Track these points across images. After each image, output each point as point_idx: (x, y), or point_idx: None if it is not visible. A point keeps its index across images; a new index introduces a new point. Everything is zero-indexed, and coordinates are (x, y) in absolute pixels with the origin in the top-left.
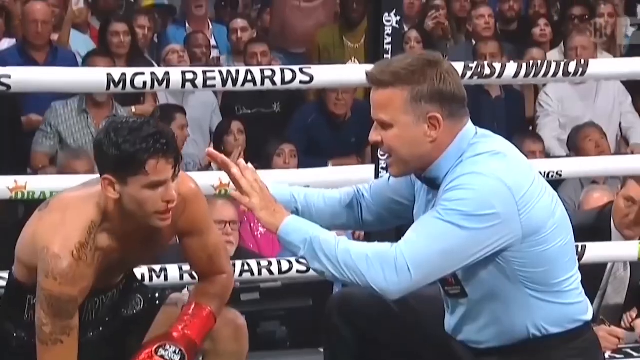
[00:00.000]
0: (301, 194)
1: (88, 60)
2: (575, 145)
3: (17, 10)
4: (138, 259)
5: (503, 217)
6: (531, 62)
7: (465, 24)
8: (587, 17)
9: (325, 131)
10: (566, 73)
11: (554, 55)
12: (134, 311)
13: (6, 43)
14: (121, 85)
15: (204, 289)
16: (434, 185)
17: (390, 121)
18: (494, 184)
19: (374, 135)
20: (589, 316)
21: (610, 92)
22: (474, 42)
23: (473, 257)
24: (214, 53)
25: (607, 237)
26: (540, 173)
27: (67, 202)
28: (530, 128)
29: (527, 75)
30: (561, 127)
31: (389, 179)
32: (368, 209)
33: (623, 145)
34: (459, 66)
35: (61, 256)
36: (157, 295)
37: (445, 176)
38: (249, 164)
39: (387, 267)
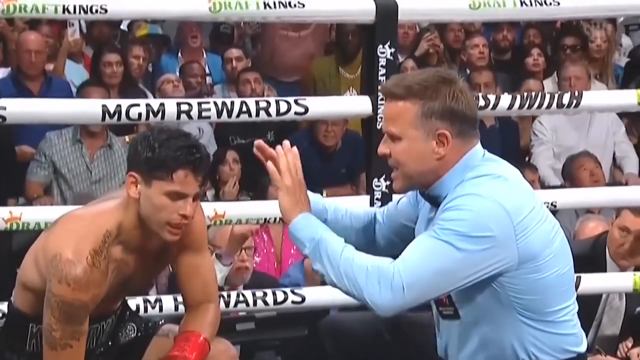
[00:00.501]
0: (332, 206)
1: (82, 91)
2: (570, 175)
3: (13, 37)
4: (146, 278)
5: (499, 241)
6: (525, 93)
7: (459, 54)
8: (579, 47)
9: (316, 161)
10: (560, 105)
11: (547, 84)
12: (127, 339)
13: (0, 72)
14: (116, 116)
15: (196, 317)
16: (435, 202)
17: (399, 134)
18: (492, 207)
19: (383, 148)
20: (582, 348)
21: (603, 122)
22: (468, 72)
23: (467, 278)
24: (208, 82)
25: (602, 266)
26: None
27: (80, 214)
28: (527, 158)
29: (521, 106)
30: (555, 157)
31: (397, 203)
32: (381, 232)
33: (617, 175)
34: None
35: (75, 262)
36: (149, 324)
37: (446, 195)
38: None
39: (383, 283)
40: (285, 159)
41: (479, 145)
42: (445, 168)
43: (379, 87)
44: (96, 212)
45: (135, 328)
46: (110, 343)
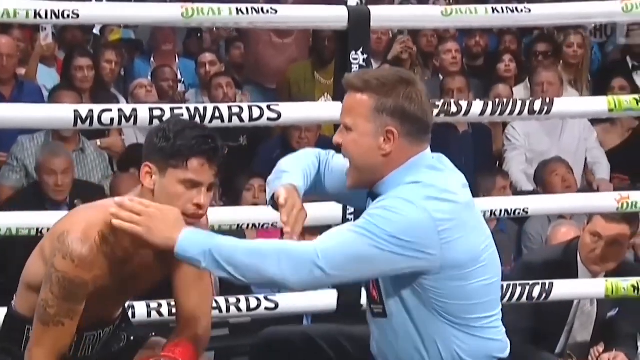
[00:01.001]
0: (305, 176)
1: (54, 95)
2: (542, 180)
3: None
4: (149, 279)
5: (420, 248)
6: (497, 100)
7: (431, 59)
8: (550, 53)
9: None
10: (532, 111)
11: (519, 90)
12: (117, 349)
13: None
14: (88, 121)
15: (189, 330)
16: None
17: (351, 125)
18: (420, 216)
19: (337, 137)
20: (506, 354)
21: (575, 127)
22: (440, 78)
23: (383, 273)
24: (181, 87)
25: (573, 272)
26: (507, 210)
27: (90, 205)
28: (498, 162)
29: (493, 113)
30: (528, 162)
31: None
32: (326, 178)
33: (589, 180)
34: None
35: (82, 240)
36: (139, 336)
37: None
38: None
39: (297, 263)
40: (121, 207)
41: (428, 151)
42: (390, 167)
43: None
44: (107, 203)
45: (126, 336)
46: (102, 352)
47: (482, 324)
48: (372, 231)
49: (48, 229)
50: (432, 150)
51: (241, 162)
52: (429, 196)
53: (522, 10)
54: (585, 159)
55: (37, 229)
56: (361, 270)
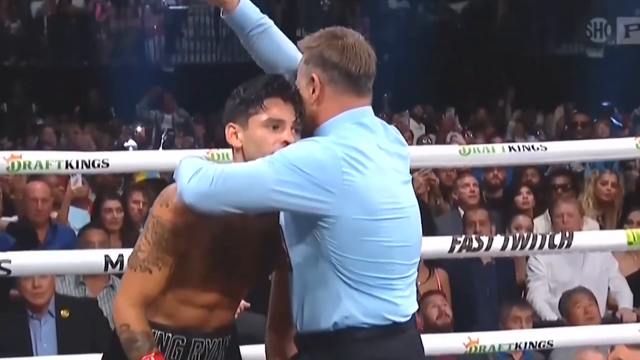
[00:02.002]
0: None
1: (83, 234)
2: (566, 311)
3: (20, 187)
4: (253, 266)
5: (317, 182)
6: (517, 234)
7: (451, 192)
8: (568, 186)
9: None
10: (552, 245)
11: (540, 222)
12: None
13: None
14: (118, 265)
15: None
16: None
17: (296, 83)
18: (325, 152)
19: None
20: (401, 319)
21: (597, 258)
22: (460, 211)
23: (276, 202)
24: None
25: None
26: (532, 343)
27: None
28: (522, 292)
29: (514, 247)
30: (551, 292)
31: None
32: None
33: (612, 308)
34: (447, 240)
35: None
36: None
37: None
38: None
39: (198, 174)
40: None
41: (364, 109)
42: (323, 118)
43: None
44: None
45: None
46: None
47: (380, 284)
48: (275, 158)
49: None
50: (456, 281)
51: None
52: (341, 143)
53: (538, 149)
54: (608, 288)
55: None
56: (254, 190)
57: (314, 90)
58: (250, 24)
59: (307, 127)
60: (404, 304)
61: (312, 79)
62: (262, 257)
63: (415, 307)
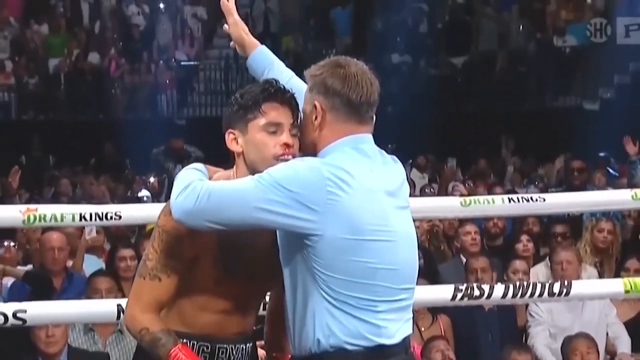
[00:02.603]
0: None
1: (91, 282)
2: (567, 356)
3: (35, 236)
4: (268, 263)
5: (302, 200)
6: (517, 283)
7: (453, 240)
8: (568, 234)
9: None
10: (551, 293)
11: (541, 269)
12: None
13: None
14: None
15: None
16: None
17: (300, 111)
18: (311, 171)
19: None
20: (386, 341)
21: (595, 304)
22: (462, 258)
23: (261, 220)
24: None
25: None
26: None
27: None
28: (524, 337)
29: (514, 295)
30: (552, 337)
31: None
32: None
33: (611, 354)
34: (449, 288)
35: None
36: None
37: None
38: None
39: (187, 190)
40: None
41: (364, 135)
42: (322, 144)
43: None
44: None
45: None
46: None
47: (363, 304)
48: (262, 176)
49: None
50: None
51: None
52: (328, 163)
53: (536, 200)
54: (607, 334)
55: None
56: (238, 207)
57: (316, 117)
58: (266, 64)
59: (308, 152)
60: (389, 327)
61: (315, 106)
62: (274, 261)
63: (407, 332)
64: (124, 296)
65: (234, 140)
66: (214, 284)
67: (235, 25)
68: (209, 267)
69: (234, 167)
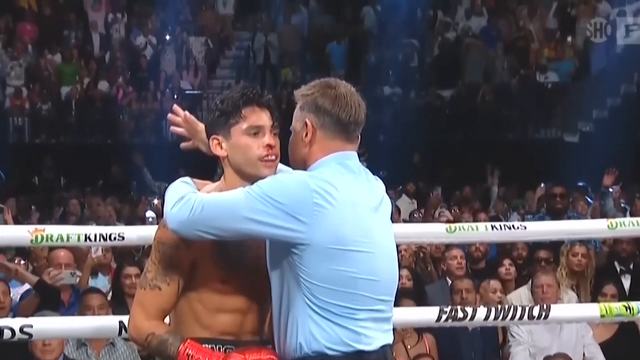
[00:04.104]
0: None
1: (83, 298)
2: None
3: (42, 254)
4: (260, 246)
5: (289, 211)
6: (499, 306)
7: (439, 263)
8: (551, 260)
9: None
10: (531, 317)
11: (524, 292)
12: None
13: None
14: None
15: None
16: None
17: (291, 129)
18: (298, 184)
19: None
20: (364, 347)
21: (573, 326)
22: (448, 280)
23: (250, 231)
24: None
25: None
26: None
27: None
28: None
29: (496, 318)
30: (531, 356)
31: None
32: None
33: None
34: (434, 310)
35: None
36: None
37: None
38: None
39: (181, 202)
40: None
41: (349, 153)
42: (311, 160)
43: None
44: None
45: None
46: None
47: (344, 312)
48: (252, 188)
49: None
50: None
51: None
52: (314, 176)
53: (518, 227)
54: (584, 354)
55: None
56: (229, 218)
57: (306, 134)
58: None
59: (298, 167)
60: (368, 334)
61: (306, 124)
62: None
63: (386, 341)
64: (121, 314)
65: (218, 145)
66: (221, 283)
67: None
68: (210, 268)
69: (222, 176)
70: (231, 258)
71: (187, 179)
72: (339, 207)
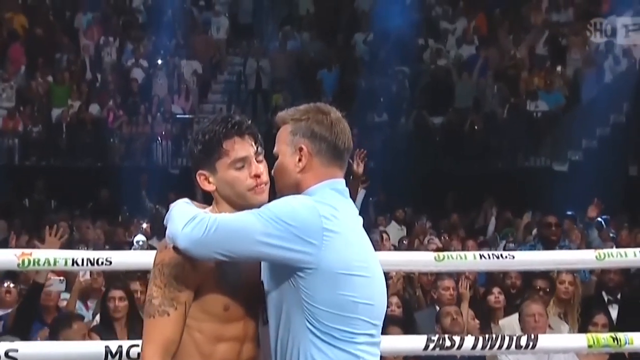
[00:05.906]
0: None
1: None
2: None
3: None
4: (256, 272)
5: (300, 234)
6: (487, 335)
7: (428, 290)
8: (548, 289)
9: None
10: (518, 346)
11: (515, 319)
12: None
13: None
14: (117, 356)
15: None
16: None
17: (277, 152)
18: (307, 209)
19: (268, 171)
20: None
21: (561, 356)
22: (436, 307)
23: (259, 253)
24: None
25: None
26: None
27: None
28: None
29: (483, 347)
30: None
31: None
32: None
33: None
34: (422, 338)
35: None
36: None
37: None
38: None
39: (193, 222)
40: None
41: (340, 180)
42: (305, 185)
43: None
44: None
45: None
46: None
47: (344, 336)
48: (262, 211)
49: None
50: None
51: None
52: (321, 201)
53: (506, 257)
54: None
55: None
56: (242, 240)
57: (300, 159)
58: None
59: (288, 192)
60: (366, 358)
61: (300, 149)
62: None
63: None
64: (108, 338)
65: (205, 181)
66: (223, 309)
67: None
68: (214, 294)
69: (213, 203)
70: (233, 283)
71: (188, 200)
72: (344, 232)
